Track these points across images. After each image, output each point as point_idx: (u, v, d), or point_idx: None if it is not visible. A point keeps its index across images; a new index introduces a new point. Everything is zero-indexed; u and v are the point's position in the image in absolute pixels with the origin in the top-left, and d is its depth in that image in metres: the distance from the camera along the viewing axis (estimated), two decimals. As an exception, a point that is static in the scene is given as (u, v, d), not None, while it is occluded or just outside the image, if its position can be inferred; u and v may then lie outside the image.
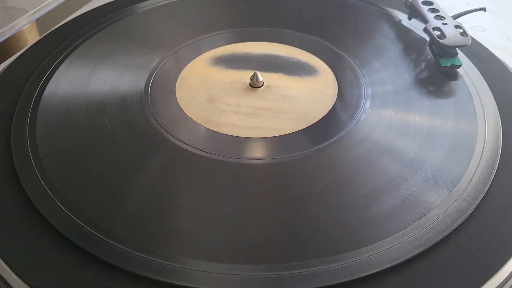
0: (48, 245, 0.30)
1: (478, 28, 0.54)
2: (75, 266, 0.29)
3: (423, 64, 0.44)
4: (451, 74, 0.42)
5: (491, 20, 0.55)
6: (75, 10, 0.54)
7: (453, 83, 0.41)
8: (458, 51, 0.43)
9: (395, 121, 0.38)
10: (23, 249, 0.30)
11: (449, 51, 0.42)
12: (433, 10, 0.45)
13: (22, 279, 0.28)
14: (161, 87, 0.42)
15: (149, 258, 0.29)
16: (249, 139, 0.37)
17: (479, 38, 0.47)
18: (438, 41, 0.41)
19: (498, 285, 0.28)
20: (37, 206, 0.32)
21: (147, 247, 0.29)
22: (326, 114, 0.39)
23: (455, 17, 0.45)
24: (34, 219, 0.31)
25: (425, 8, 0.45)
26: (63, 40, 0.47)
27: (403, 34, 0.48)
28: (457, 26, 0.42)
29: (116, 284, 0.28)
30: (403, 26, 0.48)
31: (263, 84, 0.42)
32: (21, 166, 0.35)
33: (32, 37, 0.55)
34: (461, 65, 0.42)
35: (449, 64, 0.42)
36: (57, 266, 0.29)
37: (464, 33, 0.42)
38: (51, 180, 0.33)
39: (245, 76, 0.43)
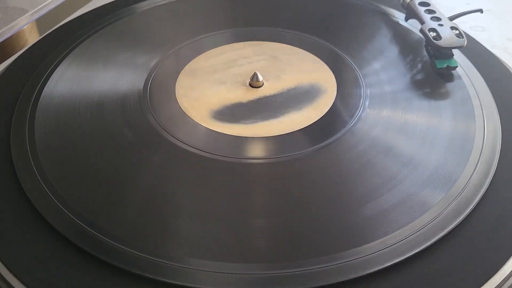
0: (47, 245, 0.30)
1: (478, 28, 0.54)
2: (75, 266, 0.29)
3: (422, 64, 0.44)
4: (451, 74, 0.42)
5: (491, 20, 0.55)
6: (75, 10, 0.54)
7: (453, 83, 0.41)
8: (458, 50, 0.43)
9: (394, 120, 0.38)
10: (23, 249, 0.30)
11: (444, 53, 0.42)
12: (430, 11, 0.45)
13: (22, 280, 0.28)
14: (160, 87, 0.42)
15: (148, 258, 0.29)
16: (249, 138, 0.37)
17: (479, 38, 0.47)
18: (433, 43, 0.41)
19: (498, 285, 0.28)
20: (37, 206, 0.32)
21: (146, 246, 0.29)
22: (326, 113, 0.39)
23: (452, 18, 0.45)
24: (34, 219, 0.31)
25: (421, 9, 0.45)
26: (63, 40, 0.47)
27: (403, 34, 0.48)
28: (453, 28, 0.42)
29: (115, 283, 0.28)
30: (402, 26, 0.48)
31: (262, 84, 0.42)
32: (21, 166, 0.35)
33: (32, 37, 0.55)
34: (456, 67, 0.42)
35: (444, 65, 0.41)
36: (56, 266, 0.29)
37: (460, 35, 0.42)
38: (50, 180, 0.33)
39: (244, 76, 0.43)
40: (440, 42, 0.41)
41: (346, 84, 0.42)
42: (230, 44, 0.47)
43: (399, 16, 0.50)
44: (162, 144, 0.36)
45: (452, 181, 0.33)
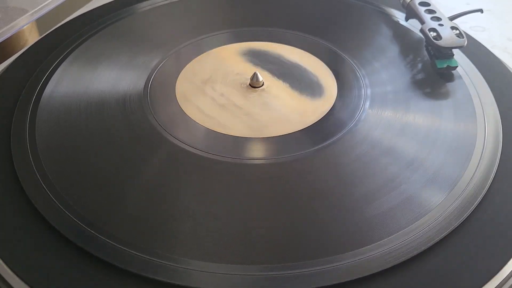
0: (48, 245, 0.30)
1: (478, 28, 0.54)
2: (75, 266, 0.29)
3: (422, 64, 0.44)
4: (451, 74, 0.42)
5: (491, 20, 0.55)
6: (75, 10, 0.54)
7: (453, 83, 0.41)
8: (458, 51, 0.43)
9: (395, 121, 0.38)
10: (23, 249, 0.30)
11: (445, 53, 0.41)
12: (430, 11, 0.45)
13: (22, 279, 0.28)
14: (161, 87, 0.42)
15: (148, 258, 0.29)
16: (249, 139, 0.37)
17: (479, 38, 0.47)
18: (433, 42, 0.41)
19: (498, 285, 0.28)
20: (37, 205, 0.32)
21: (146, 247, 0.29)
22: (326, 114, 0.39)
23: (452, 18, 0.45)
24: (34, 219, 0.31)
25: (422, 9, 0.45)
26: (63, 40, 0.47)
27: (403, 34, 0.48)
28: (453, 28, 0.42)
29: (116, 284, 0.28)
30: (403, 26, 0.48)
31: (263, 84, 0.42)
32: (21, 166, 0.35)
33: (32, 37, 0.55)
34: (457, 67, 0.42)
35: (444, 65, 0.41)
36: (57, 266, 0.29)
37: (460, 34, 0.42)
38: (51, 180, 0.33)
39: (245, 76, 0.43)
40: (440, 42, 0.41)
41: (347, 85, 0.42)
42: (230, 44, 0.47)
43: (399, 16, 0.50)
44: (162, 144, 0.36)
45: (454, 182, 0.33)
